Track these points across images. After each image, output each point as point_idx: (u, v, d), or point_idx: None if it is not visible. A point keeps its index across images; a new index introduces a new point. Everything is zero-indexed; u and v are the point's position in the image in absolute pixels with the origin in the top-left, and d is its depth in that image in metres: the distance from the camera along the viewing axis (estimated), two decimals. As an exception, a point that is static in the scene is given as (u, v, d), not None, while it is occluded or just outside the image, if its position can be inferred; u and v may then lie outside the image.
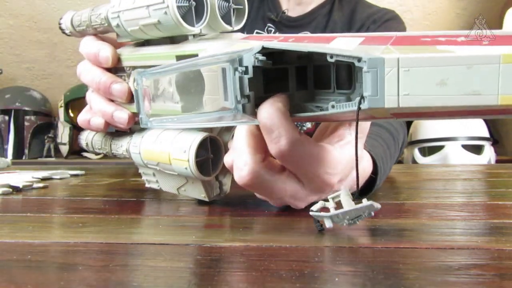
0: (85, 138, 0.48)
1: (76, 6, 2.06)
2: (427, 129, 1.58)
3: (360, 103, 0.25)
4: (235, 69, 0.29)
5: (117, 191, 0.51)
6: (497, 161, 1.61)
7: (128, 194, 0.48)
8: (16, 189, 0.50)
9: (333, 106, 0.27)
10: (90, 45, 0.42)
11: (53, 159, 1.87)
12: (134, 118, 0.41)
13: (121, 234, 0.30)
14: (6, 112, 1.86)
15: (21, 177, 0.58)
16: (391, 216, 0.34)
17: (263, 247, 0.26)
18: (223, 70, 0.30)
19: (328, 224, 0.29)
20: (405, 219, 0.33)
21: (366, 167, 0.41)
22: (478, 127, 1.57)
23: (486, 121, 1.62)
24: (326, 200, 0.29)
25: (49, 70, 2.14)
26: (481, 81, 0.22)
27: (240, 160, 0.33)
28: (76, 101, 1.84)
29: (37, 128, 1.89)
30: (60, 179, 0.63)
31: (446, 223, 0.32)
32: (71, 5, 2.07)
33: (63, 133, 1.85)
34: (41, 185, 0.54)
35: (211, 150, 0.37)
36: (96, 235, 0.30)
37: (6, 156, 1.79)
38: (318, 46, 0.28)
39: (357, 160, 0.27)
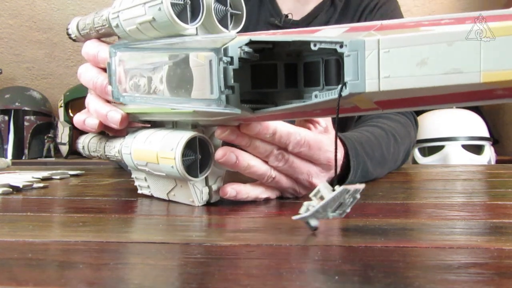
0: (82, 142, 0.49)
1: (76, 6, 2.06)
2: (427, 129, 1.58)
3: (341, 90, 0.25)
4: (220, 59, 0.29)
5: (117, 191, 0.51)
6: (497, 161, 1.61)
7: (128, 194, 0.48)
8: (16, 189, 0.50)
9: (316, 96, 0.27)
10: (90, 47, 0.43)
11: (53, 159, 1.87)
12: (128, 119, 0.42)
13: (122, 233, 0.30)
14: (6, 112, 1.86)
15: (21, 177, 0.58)
16: (391, 215, 0.34)
17: (263, 246, 0.26)
18: (210, 62, 0.30)
19: (313, 222, 0.28)
20: (405, 219, 0.33)
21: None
22: (478, 127, 1.57)
23: (486, 121, 1.62)
24: (310, 200, 0.29)
25: (48, 70, 2.14)
26: (463, 58, 0.21)
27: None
28: (76, 101, 1.84)
29: (37, 128, 1.89)
30: (60, 179, 0.63)
31: (446, 223, 0.32)
32: (70, 4, 2.07)
33: (63, 133, 1.85)
34: (41, 185, 0.54)
35: (200, 152, 0.37)
36: (96, 234, 0.30)
37: (6, 156, 1.79)
38: (302, 35, 0.28)
39: (336, 150, 0.27)
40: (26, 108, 1.88)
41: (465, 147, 1.53)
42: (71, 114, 1.85)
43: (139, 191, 0.45)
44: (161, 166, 0.37)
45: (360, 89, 0.24)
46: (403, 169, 0.73)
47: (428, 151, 1.59)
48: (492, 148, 1.59)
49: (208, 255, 0.24)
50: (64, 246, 0.27)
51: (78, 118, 0.45)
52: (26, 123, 1.87)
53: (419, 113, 1.69)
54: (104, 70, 0.42)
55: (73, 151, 1.85)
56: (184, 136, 0.36)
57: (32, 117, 1.89)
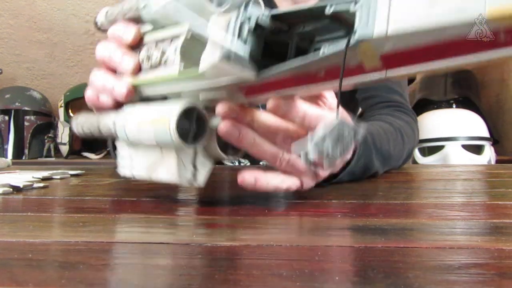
0: (77, 120, 0.47)
1: (76, 6, 2.06)
2: (427, 129, 1.58)
3: (349, 40, 0.25)
4: (237, 16, 0.31)
5: (117, 191, 0.51)
6: (497, 161, 1.61)
7: (128, 194, 0.48)
8: (16, 189, 0.50)
9: (323, 53, 0.28)
10: (117, 27, 0.42)
11: (53, 159, 1.87)
12: (133, 94, 0.41)
13: (122, 233, 0.30)
14: (6, 112, 1.86)
15: (21, 177, 0.58)
16: (391, 215, 0.34)
17: (264, 246, 0.26)
18: (228, 24, 0.31)
19: (312, 154, 0.26)
20: (405, 219, 0.33)
21: None
22: (478, 127, 1.57)
23: (486, 121, 1.63)
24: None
25: (49, 70, 2.14)
26: None
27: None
28: (76, 101, 1.85)
29: (37, 128, 1.89)
30: (60, 179, 0.63)
31: (446, 223, 0.32)
32: (70, 4, 2.07)
33: (63, 133, 1.86)
34: (41, 185, 0.54)
35: (196, 127, 0.36)
36: (96, 234, 0.30)
37: (6, 156, 1.79)
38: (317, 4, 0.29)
39: (340, 91, 0.27)
40: (26, 108, 1.88)
41: (465, 147, 1.53)
42: (71, 114, 1.86)
43: (120, 170, 0.44)
44: (155, 129, 0.36)
45: (369, 33, 0.25)
46: (403, 169, 0.73)
47: (428, 151, 1.59)
48: (492, 148, 1.59)
49: (208, 255, 0.24)
50: (65, 246, 0.27)
51: (91, 95, 0.43)
52: (26, 123, 1.87)
53: (419, 113, 1.69)
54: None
55: (73, 151, 1.86)
56: (183, 102, 0.36)
57: (32, 117, 1.89)
